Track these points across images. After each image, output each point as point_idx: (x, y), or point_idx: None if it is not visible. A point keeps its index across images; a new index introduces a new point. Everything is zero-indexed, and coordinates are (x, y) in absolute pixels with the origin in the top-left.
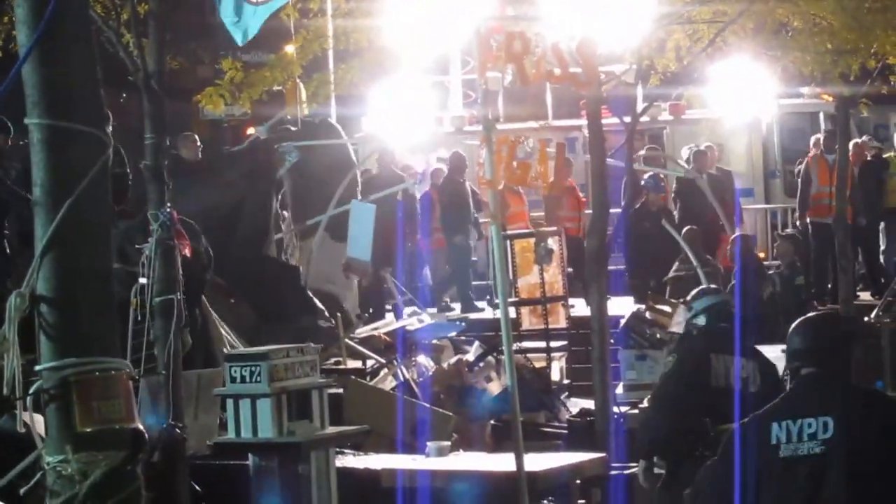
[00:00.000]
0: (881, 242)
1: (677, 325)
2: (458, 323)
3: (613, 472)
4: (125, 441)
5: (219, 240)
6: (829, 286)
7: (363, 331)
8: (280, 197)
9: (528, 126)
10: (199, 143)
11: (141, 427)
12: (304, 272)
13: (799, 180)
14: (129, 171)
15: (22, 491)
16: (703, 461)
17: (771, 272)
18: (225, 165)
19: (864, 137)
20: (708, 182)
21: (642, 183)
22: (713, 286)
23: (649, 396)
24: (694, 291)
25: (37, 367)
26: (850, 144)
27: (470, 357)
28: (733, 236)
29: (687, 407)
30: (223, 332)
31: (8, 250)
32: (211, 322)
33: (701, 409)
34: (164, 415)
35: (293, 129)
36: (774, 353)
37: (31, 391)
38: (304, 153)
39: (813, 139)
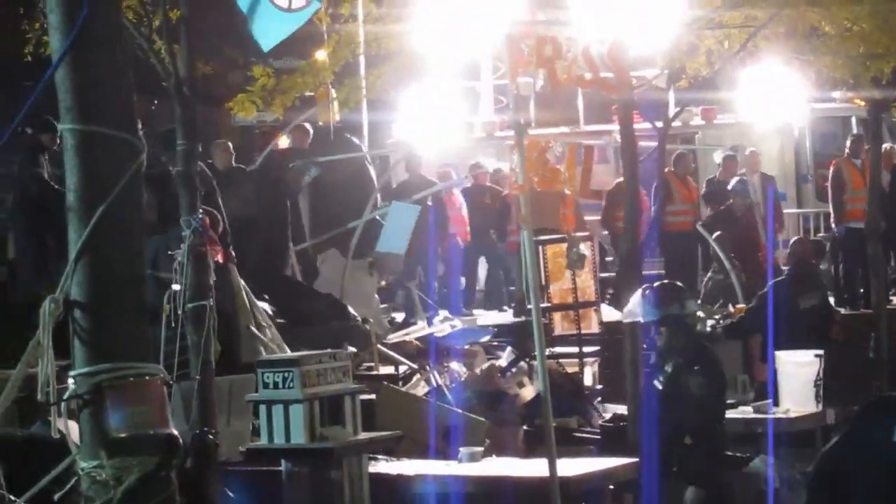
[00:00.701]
0: None
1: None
2: (488, 328)
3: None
4: (159, 446)
5: (237, 251)
6: (862, 291)
7: (395, 336)
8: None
9: (560, 131)
10: (231, 151)
11: (175, 432)
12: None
13: (828, 185)
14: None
15: (56, 496)
16: None
17: None
18: (239, 181)
19: (890, 144)
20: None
21: (729, 188)
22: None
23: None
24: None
25: (70, 373)
26: (883, 149)
27: (502, 362)
28: (794, 239)
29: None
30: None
31: (46, 255)
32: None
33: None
34: (196, 421)
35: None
36: (807, 357)
37: (64, 397)
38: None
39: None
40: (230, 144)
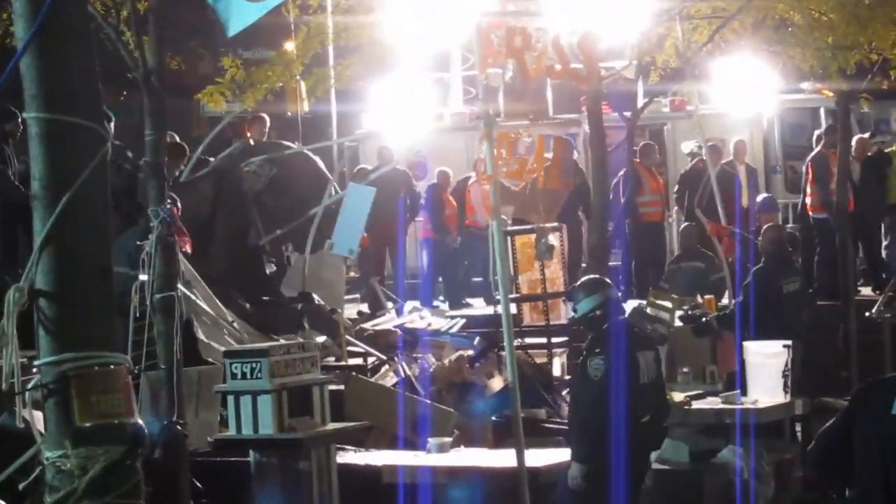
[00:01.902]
0: (884, 238)
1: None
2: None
3: None
4: (125, 436)
5: (199, 244)
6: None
7: (370, 325)
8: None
9: (529, 122)
10: (266, 126)
11: (140, 422)
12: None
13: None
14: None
15: (21, 486)
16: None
17: None
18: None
19: (867, 134)
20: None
21: (758, 200)
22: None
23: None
24: (585, 283)
25: (35, 362)
26: (854, 140)
27: (470, 353)
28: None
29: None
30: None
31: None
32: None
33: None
34: (164, 411)
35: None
36: (775, 348)
37: (29, 386)
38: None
39: (816, 134)
40: (267, 118)
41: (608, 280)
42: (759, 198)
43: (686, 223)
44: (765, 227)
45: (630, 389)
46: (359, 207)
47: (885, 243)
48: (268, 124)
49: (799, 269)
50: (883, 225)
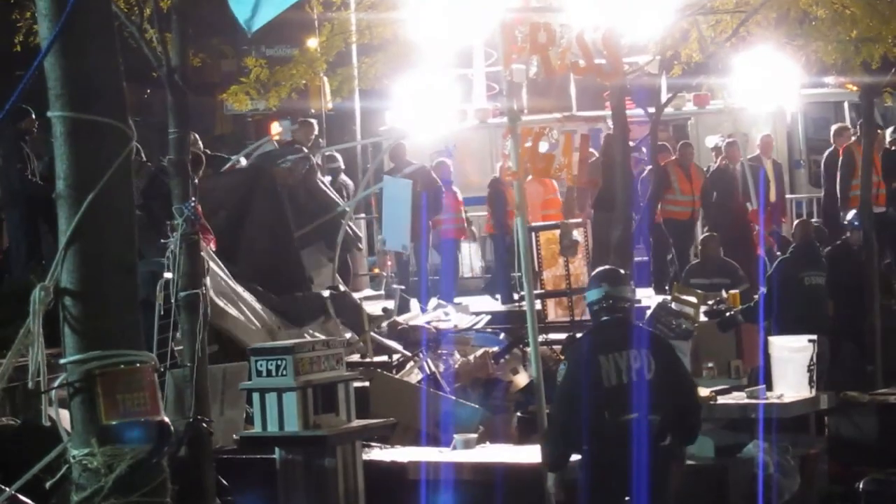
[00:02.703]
0: None
1: None
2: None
3: None
4: (151, 434)
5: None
6: None
7: (402, 318)
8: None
9: (553, 117)
10: (315, 130)
11: (166, 420)
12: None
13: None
14: None
15: (48, 485)
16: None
17: None
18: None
19: (890, 129)
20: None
21: (845, 222)
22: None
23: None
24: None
25: (61, 361)
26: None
27: (495, 349)
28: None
29: (581, 405)
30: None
31: (39, 244)
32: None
33: (597, 406)
34: (190, 409)
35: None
36: (801, 342)
37: (55, 384)
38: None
39: (833, 129)
40: (315, 123)
41: (619, 273)
42: (850, 213)
43: (707, 234)
44: (796, 222)
45: (591, 393)
46: (399, 200)
47: None
48: (315, 129)
49: (823, 265)
50: None
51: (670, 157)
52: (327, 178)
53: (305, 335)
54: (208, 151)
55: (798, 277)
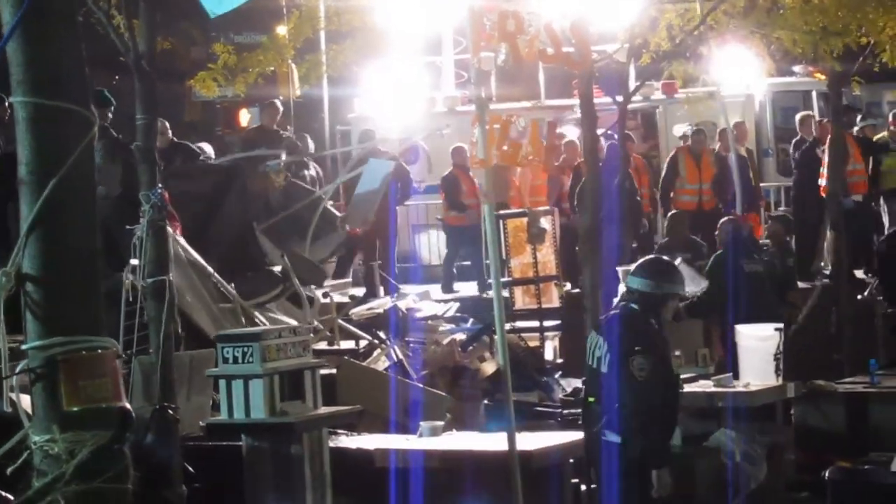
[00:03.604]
0: (885, 223)
1: None
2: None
3: None
4: (112, 420)
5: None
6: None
7: (359, 311)
8: None
9: (521, 105)
10: (168, 129)
11: (128, 406)
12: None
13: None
14: None
15: (9, 471)
16: None
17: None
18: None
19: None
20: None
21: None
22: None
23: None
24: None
25: (23, 346)
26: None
27: (462, 337)
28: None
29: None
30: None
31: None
32: None
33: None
34: (156, 396)
35: None
36: (767, 331)
37: (17, 370)
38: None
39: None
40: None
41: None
42: None
43: (674, 211)
44: (723, 220)
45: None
46: (375, 180)
47: (887, 227)
48: (280, 111)
49: (760, 253)
50: (886, 210)
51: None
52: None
53: (265, 316)
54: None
55: (737, 266)
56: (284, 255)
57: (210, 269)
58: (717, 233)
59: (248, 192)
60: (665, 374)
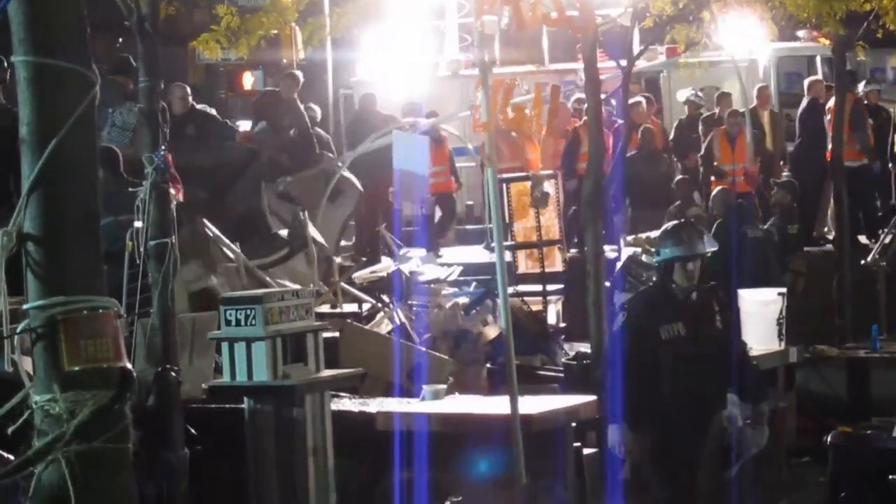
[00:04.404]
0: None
1: None
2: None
3: None
4: (113, 380)
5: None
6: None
7: (362, 274)
8: None
9: (525, 69)
10: (189, 94)
11: (129, 366)
12: None
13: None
14: None
15: (10, 430)
16: None
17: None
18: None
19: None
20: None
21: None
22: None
23: None
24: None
25: (24, 306)
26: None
27: (465, 300)
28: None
29: None
30: None
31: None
32: None
33: None
34: (159, 358)
35: None
36: (770, 296)
37: (18, 330)
38: None
39: (807, 82)
40: (188, 88)
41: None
42: None
43: (680, 177)
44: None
45: None
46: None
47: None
48: (300, 82)
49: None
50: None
51: (643, 113)
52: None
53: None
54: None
55: (740, 232)
56: (303, 211)
57: (215, 231)
58: (710, 203)
59: (259, 180)
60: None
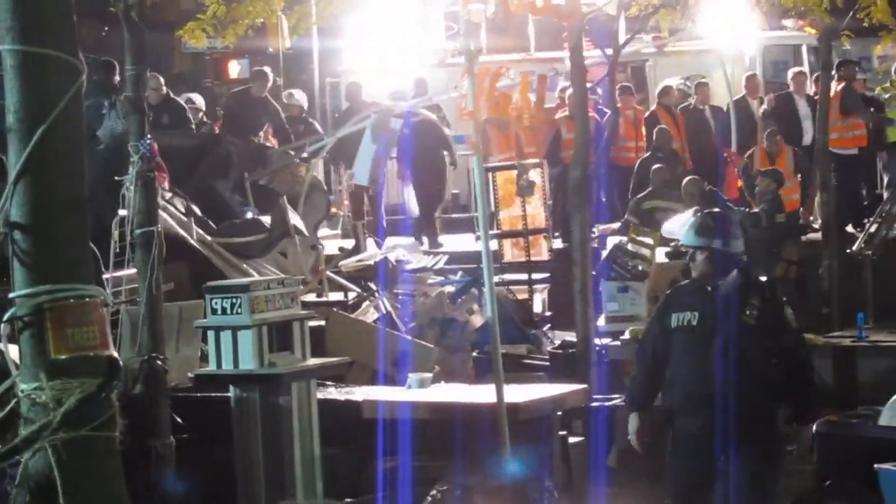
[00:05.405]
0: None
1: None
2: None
3: (595, 404)
4: (100, 368)
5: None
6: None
7: (348, 262)
8: None
9: (511, 58)
10: (162, 85)
11: (115, 354)
12: None
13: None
14: None
15: None
16: None
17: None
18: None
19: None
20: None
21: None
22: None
23: None
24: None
25: (10, 295)
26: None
27: (451, 289)
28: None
29: None
30: None
31: None
32: None
33: None
34: (145, 347)
35: None
36: None
37: (4, 318)
38: None
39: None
40: (161, 79)
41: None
42: None
43: (658, 165)
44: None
45: None
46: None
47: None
48: (270, 80)
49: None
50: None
51: (633, 100)
52: None
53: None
54: None
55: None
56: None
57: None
58: (682, 194)
59: (228, 160)
60: (662, 322)
